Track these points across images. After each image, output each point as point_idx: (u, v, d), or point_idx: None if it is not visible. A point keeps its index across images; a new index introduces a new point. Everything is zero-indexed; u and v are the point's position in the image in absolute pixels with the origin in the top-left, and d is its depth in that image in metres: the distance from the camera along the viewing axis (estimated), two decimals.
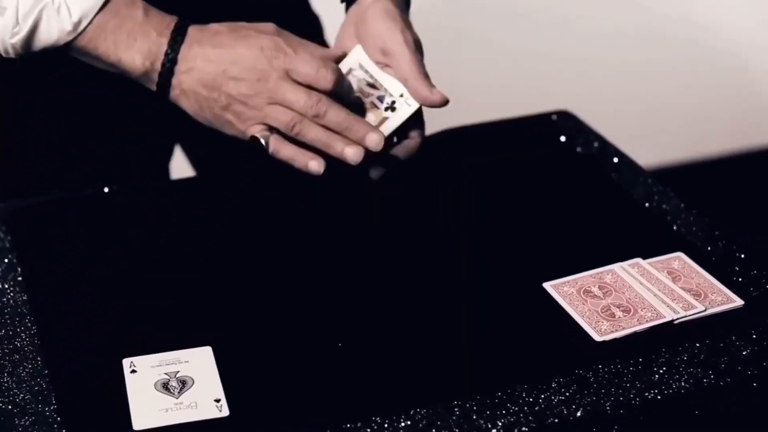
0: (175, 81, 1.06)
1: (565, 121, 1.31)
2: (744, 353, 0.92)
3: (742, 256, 1.05)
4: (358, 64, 1.14)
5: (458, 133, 1.29)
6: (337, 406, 0.88)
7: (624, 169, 1.20)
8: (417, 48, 1.12)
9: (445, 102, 1.09)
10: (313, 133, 1.07)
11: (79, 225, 1.10)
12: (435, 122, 1.31)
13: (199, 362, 0.92)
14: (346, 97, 1.11)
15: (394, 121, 1.12)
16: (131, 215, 1.12)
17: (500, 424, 0.86)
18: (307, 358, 0.93)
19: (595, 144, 1.26)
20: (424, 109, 1.13)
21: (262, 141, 1.07)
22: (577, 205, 1.15)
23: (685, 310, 0.96)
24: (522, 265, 1.04)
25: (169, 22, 1.07)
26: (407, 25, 1.13)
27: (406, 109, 1.12)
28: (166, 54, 1.05)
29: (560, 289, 1.00)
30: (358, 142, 1.08)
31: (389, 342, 0.95)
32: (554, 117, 1.32)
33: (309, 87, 1.07)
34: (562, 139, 1.27)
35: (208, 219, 1.12)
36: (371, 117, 1.12)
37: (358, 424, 0.86)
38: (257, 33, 1.08)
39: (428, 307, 0.99)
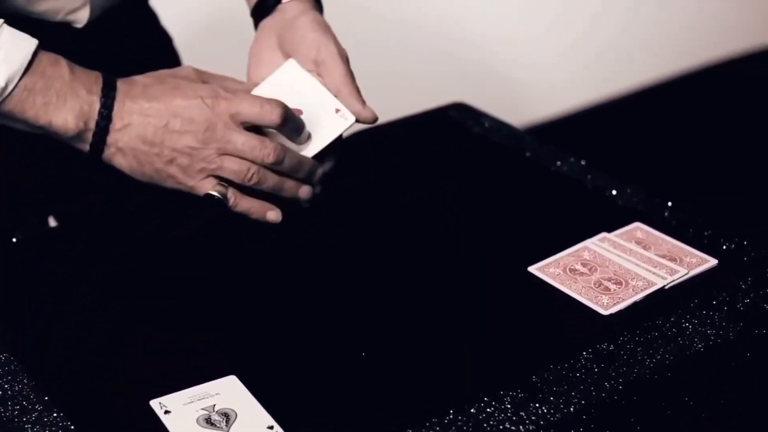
0: (110, 139, 1.00)
1: (463, 111, 1.34)
2: (738, 306, 0.98)
3: (690, 219, 1.11)
4: (291, 78, 1.10)
5: (365, 135, 1.28)
6: (390, 411, 0.86)
7: (543, 153, 1.24)
8: (347, 61, 1.11)
9: (375, 119, 1.08)
10: (271, 181, 1.03)
11: (49, 261, 1.04)
12: None
13: (230, 392, 0.87)
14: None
15: (330, 134, 1.08)
16: (113, 238, 1.07)
17: (554, 401, 0.87)
18: (335, 370, 0.91)
19: (505, 132, 1.29)
20: None
21: (219, 196, 1.02)
22: (516, 191, 1.18)
23: (671, 275, 1.01)
24: (497, 255, 1.06)
25: (96, 77, 1.00)
26: (335, 37, 1.11)
27: (342, 123, 1.09)
28: (100, 113, 0.99)
29: (546, 271, 1.02)
30: (306, 181, 1.06)
31: (413, 344, 0.94)
32: (451, 110, 1.34)
33: (256, 127, 1.03)
34: (474, 129, 1.29)
35: (202, 240, 1.08)
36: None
37: (422, 431, 0.85)
38: (188, 81, 1.02)
39: (434, 309, 0.99)
